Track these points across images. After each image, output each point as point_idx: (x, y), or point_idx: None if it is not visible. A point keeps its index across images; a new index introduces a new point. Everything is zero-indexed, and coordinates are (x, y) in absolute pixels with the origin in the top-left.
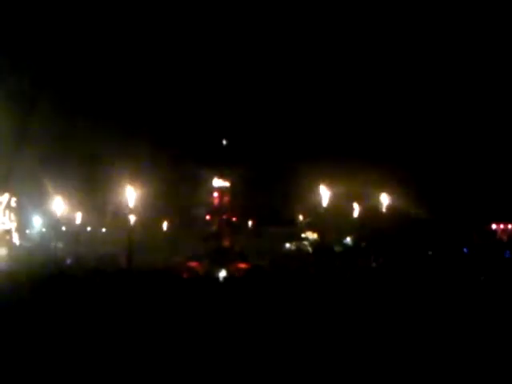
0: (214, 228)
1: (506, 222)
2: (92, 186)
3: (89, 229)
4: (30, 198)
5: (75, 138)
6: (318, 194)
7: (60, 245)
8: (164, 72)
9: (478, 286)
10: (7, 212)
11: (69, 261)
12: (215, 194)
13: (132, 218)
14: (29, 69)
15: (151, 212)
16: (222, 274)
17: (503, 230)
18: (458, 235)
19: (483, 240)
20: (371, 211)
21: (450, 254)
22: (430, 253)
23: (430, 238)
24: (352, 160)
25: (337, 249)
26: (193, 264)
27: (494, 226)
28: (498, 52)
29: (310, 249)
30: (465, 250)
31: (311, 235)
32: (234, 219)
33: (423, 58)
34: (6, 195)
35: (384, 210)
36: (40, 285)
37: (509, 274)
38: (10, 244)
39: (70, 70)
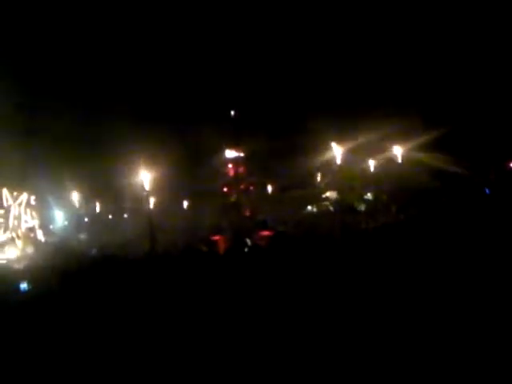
0: (233, 199)
1: None
2: (108, 174)
3: (110, 216)
4: (48, 193)
5: (84, 128)
6: (332, 152)
7: (83, 236)
8: (167, 47)
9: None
10: (28, 210)
11: (93, 251)
12: (229, 166)
13: (151, 201)
14: (28, 60)
15: (169, 192)
16: (246, 243)
17: None
18: (477, 176)
19: (502, 178)
20: (387, 164)
21: (472, 197)
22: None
23: (449, 183)
24: (362, 114)
25: (358, 206)
26: (216, 237)
27: None
28: None
29: (331, 208)
30: (486, 190)
31: (332, 195)
32: (251, 188)
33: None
34: (25, 194)
35: (400, 161)
36: (72, 277)
37: None
38: (35, 241)
39: (69, 58)
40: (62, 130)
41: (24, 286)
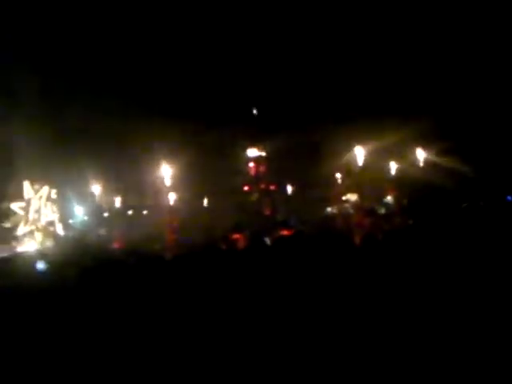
0: (254, 198)
1: None
2: (129, 168)
3: (130, 212)
4: (69, 187)
5: (106, 122)
6: (354, 155)
7: (103, 231)
8: (187, 45)
9: None
10: (49, 204)
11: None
12: (251, 164)
13: (172, 197)
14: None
15: (190, 188)
16: (266, 241)
17: None
18: (499, 183)
19: None
20: (409, 167)
21: (494, 203)
22: (481, 203)
23: (471, 189)
24: (385, 117)
25: (379, 209)
26: (235, 236)
27: None
28: None
29: (351, 210)
30: (508, 198)
31: (352, 197)
32: (272, 187)
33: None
34: (46, 188)
35: (421, 164)
36: (91, 273)
37: None
38: (54, 235)
39: (86, 54)
40: (84, 123)
41: (41, 265)
